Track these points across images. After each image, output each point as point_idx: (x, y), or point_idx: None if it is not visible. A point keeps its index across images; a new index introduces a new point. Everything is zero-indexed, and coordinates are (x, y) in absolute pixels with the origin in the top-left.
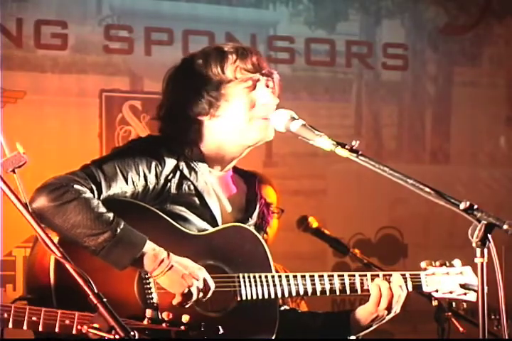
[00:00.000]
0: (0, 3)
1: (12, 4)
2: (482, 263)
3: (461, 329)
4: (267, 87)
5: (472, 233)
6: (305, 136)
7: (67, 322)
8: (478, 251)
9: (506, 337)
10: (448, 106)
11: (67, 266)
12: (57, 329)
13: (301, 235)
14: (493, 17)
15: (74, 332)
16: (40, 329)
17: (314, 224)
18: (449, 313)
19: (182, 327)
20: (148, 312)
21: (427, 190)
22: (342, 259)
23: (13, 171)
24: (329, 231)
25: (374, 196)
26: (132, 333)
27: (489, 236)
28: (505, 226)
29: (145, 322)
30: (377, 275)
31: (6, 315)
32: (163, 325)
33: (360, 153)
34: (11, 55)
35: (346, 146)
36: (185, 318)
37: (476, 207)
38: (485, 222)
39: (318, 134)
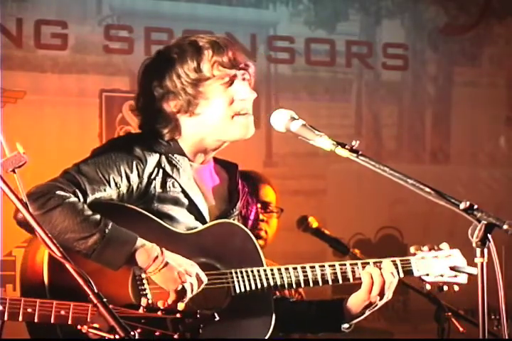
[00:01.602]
0: (0, 3)
1: (12, 4)
2: (482, 263)
3: (461, 329)
4: (243, 79)
5: (472, 233)
6: (305, 135)
7: (62, 312)
8: (478, 251)
9: (506, 337)
10: (448, 106)
11: (67, 265)
12: (52, 320)
13: (301, 235)
14: (493, 17)
15: (70, 322)
16: (36, 320)
17: (314, 224)
18: (449, 313)
19: (177, 315)
20: (144, 301)
21: (427, 190)
22: (342, 259)
23: (13, 171)
24: (329, 231)
25: (374, 196)
26: (132, 333)
27: (489, 236)
28: (505, 226)
29: (140, 310)
30: (368, 263)
31: (1, 308)
32: (159, 313)
33: (360, 153)
34: (11, 55)
35: (346, 146)
36: (180, 306)
37: (476, 207)
38: (485, 222)
39: (319, 134)
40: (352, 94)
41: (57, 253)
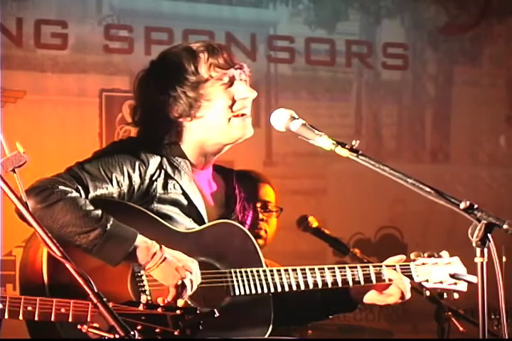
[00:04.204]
0: (0, 2)
1: (12, 4)
2: (482, 263)
3: (461, 328)
4: (241, 80)
5: (472, 232)
6: (305, 135)
7: (62, 310)
8: (478, 250)
9: (506, 337)
10: (448, 106)
11: (67, 265)
12: (53, 318)
13: (301, 235)
14: (493, 16)
15: (70, 320)
16: (36, 318)
17: (314, 224)
18: (449, 313)
19: (177, 312)
20: (143, 298)
21: (427, 189)
22: (342, 259)
23: (13, 170)
24: (329, 230)
25: (374, 196)
26: (132, 332)
27: (489, 235)
28: (505, 226)
29: (140, 307)
30: (368, 267)
31: (1, 306)
32: (159, 309)
33: (360, 152)
34: (11, 54)
35: (346, 146)
36: (180, 303)
37: (476, 206)
38: (485, 222)
39: (318, 134)
40: (352, 93)
41: (57, 253)
